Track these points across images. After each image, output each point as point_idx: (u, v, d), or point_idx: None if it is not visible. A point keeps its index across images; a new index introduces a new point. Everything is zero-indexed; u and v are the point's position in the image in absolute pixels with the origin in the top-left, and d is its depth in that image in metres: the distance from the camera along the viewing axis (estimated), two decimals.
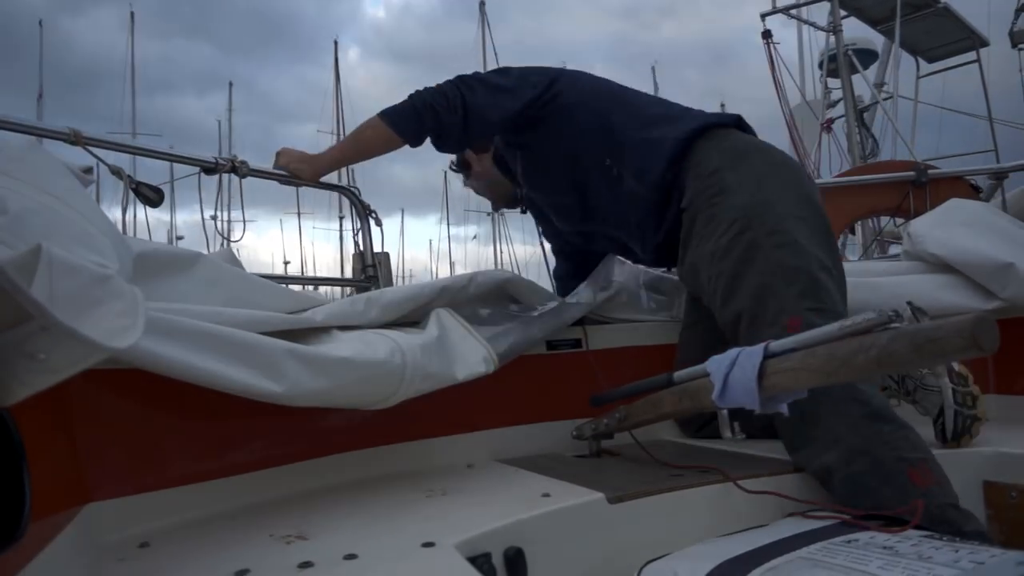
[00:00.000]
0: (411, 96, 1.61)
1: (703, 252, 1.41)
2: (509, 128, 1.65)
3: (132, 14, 27.79)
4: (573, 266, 1.92)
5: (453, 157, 1.92)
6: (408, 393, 1.11)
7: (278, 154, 1.76)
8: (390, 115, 1.60)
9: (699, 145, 1.49)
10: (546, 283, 1.89)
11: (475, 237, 38.06)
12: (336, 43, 33.35)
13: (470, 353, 1.25)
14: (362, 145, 1.67)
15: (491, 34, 28.93)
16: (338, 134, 30.32)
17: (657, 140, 1.52)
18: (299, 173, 1.72)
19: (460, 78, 1.62)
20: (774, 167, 1.45)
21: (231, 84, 31.92)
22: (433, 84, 1.62)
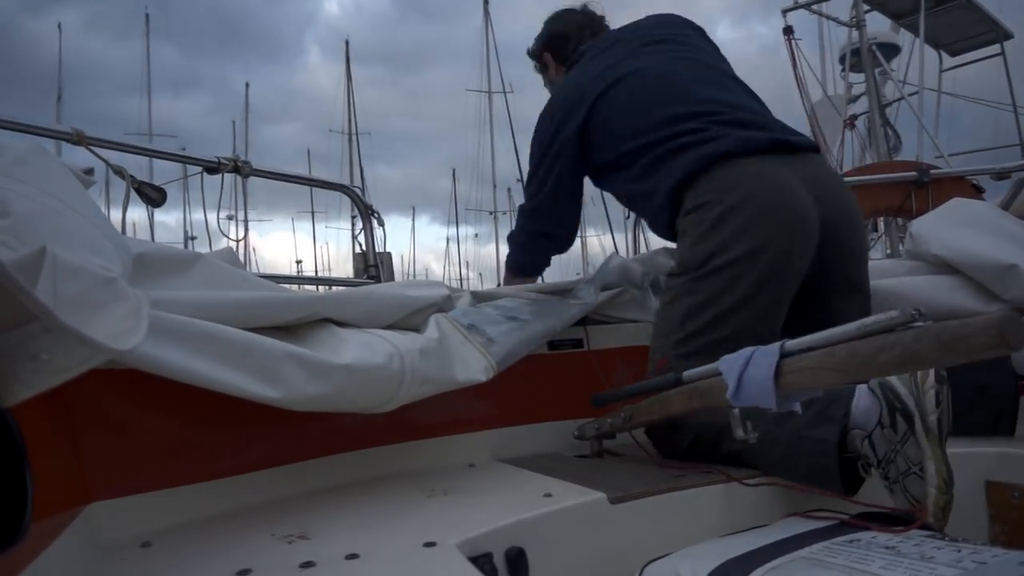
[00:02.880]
0: (512, 248, 1.83)
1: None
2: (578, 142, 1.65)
3: (147, 16, 28.07)
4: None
5: (532, 54, 1.97)
6: (406, 398, 1.11)
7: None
8: (517, 267, 1.86)
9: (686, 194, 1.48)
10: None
11: (476, 235, 38.39)
12: (347, 43, 33.45)
13: (470, 359, 1.25)
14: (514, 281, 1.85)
15: (493, 32, 29.18)
16: (349, 133, 30.63)
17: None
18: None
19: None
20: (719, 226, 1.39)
21: (247, 85, 32.43)
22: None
